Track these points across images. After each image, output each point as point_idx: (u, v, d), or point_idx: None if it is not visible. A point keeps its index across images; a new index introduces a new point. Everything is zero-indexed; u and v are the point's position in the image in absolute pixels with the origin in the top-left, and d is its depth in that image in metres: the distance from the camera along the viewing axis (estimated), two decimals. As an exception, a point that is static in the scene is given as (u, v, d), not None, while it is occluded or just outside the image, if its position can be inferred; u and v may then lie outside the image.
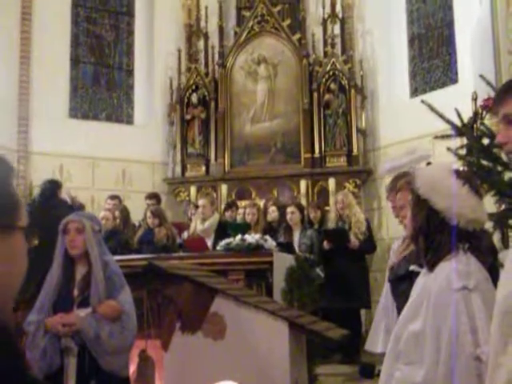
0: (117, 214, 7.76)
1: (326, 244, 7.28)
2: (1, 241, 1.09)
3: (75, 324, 3.45)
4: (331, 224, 7.51)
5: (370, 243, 7.58)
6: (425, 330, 2.13)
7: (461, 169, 2.57)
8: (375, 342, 3.52)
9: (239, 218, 8.05)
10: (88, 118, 10.68)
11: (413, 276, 2.85)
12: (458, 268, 2.14)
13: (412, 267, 2.71)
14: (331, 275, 7.29)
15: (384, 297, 3.55)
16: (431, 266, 2.23)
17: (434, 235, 2.23)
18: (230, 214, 8.28)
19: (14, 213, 1.12)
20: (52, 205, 6.44)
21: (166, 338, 4.25)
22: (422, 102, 4.34)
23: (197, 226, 7.58)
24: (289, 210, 7.54)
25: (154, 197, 8.68)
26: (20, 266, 1.15)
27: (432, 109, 4.14)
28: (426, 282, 2.23)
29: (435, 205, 2.21)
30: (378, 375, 3.20)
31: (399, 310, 3.04)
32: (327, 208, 8.87)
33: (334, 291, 7.16)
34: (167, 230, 7.34)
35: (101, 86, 10.94)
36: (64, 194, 7.31)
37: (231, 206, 8.68)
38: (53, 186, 6.76)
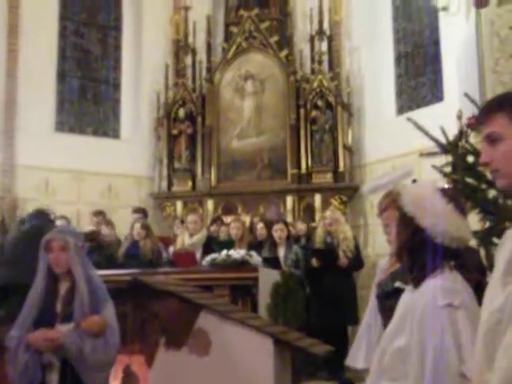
0: (103, 227, 7.73)
1: (314, 262, 7.27)
2: None
3: (58, 339, 3.42)
4: (319, 240, 7.50)
5: (358, 260, 7.58)
6: (409, 346, 2.13)
7: (446, 187, 2.59)
8: (357, 358, 3.51)
9: (223, 234, 8.04)
10: (74, 131, 10.64)
11: (399, 293, 2.86)
12: (443, 285, 2.16)
13: (397, 284, 2.71)
14: (319, 292, 7.28)
15: (368, 313, 3.55)
16: (416, 283, 2.24)
17: (419, 253, 2.24)
18: (215, 228, 8.27)
19: None
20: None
21: (151, 353, 4.22)
22: (408, 119, 4.37)
23: (185, 240, 7.57)
24: (277, 227, 7.53)
25: (140, 211, 8.68)
26: None
27: (418, 126, 4.17)
28: (411, 299, 2.24)
29: (420, 222, 2.23)
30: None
31: (385, 325, 3.04)
32: (313, 224, 8.89)
33: (321, 308, 7.16)
34: (153, 245, 7.32)
35: (87, 100, 10.92)
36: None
37: (216, 220, 8.68)
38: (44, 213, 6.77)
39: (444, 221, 2.20)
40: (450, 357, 2.04)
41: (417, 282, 2.24)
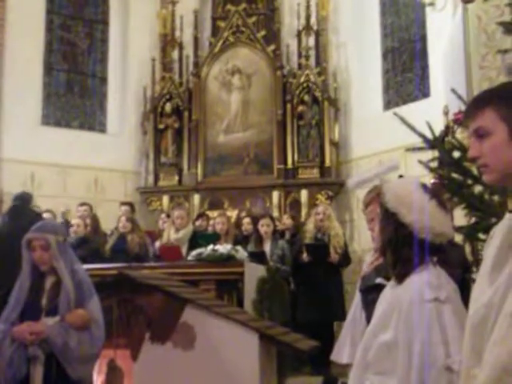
0: (88, 221, 7.70)
1: (305, 257, 7.25)
2: None
3: (43, 332, 3.43)
4: (309, 235, 7.48)
5: (346, 257, 7.59)
6: (396, 341, 2.14)
7: (427, 183, 2.60)
8: (341, 353, 3.53)
9: (210, 229, 8.03)
10: (60, 125, 10.58)
11: (381, 287, 2.87)
12: (429, 280, 2.17)
13: (378, 280, 2.72)
14: (306, 287, 7.27)
15: (353, 308, 3.56)
16: (400, 279, 2.25)
17: (402, 248, 2.25)
18: (200, 223, 8.26)
19: None
20: (23, 216, 6.46)
21: (136, 347, 4.21)
22: (395, 114, 4.37)
23: (170, 235, 7.55)
24: (263, 222, 7.51)
25: (128, 204, 8.70)
26: None
27: (404, 121, 4.17)
28: (394, 295, 2.25)
29: (403, 218, 2.23)
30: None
31: (369, 319, 3.05)
32: (301, 220, 8.89)
33: (309, 303, 7.15)
34: (140, 239, 7.30)
35: (74, 93, 10.86)
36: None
37: (201, 215, 8.67)
38: (25, 198, 6.80)
39: (427, 217, 2.20)
40: (437, 351, 2.06)
41: (400, 277, 2.24)
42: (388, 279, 2.55)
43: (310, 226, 7.58)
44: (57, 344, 3.42)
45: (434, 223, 2.22)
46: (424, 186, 2.33)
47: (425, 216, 2.20)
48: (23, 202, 6.73)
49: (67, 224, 7.73)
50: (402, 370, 2.10)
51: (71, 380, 3.44)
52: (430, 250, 2.23)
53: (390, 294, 2.28)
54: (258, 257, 6.87)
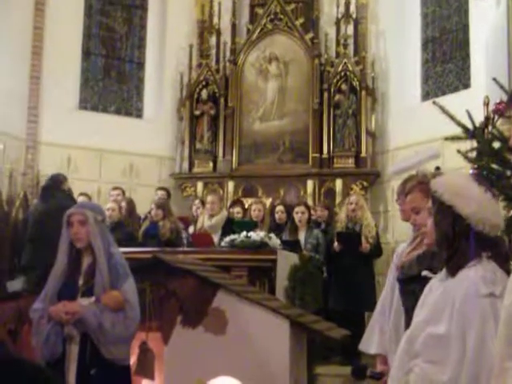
0: (123, 204, 7.74)
1: (336, 246, 7.21)
2: None
3: (78, 312, 3.46)
4: (341, 224, 7.43)
5: (377, 248, 7.53)
6: (449, 334, 2.12)
7: (477, 175, 2.56)
8: (370, 343, 3.49)
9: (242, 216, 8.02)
10: (97, 110, 10.68)
11: (424, 278, 2.83)
12: (484, 275, 2.15)
13: (424, 273, 2.67)
14: (338, 277, 7.24)
15: (382, 298, 3.52)
16: (454, 272, 2.23)
17: (459, 241, 2.23)
18: (236, 210, 8.25)
19: None
20: (55, 196, 6.53)
21: (167, 331, 4.24)
22: (434, 103, 4.31)
23: (204, 221, 7.56)
24: (298, 209, 7.47)
25: (164, 189, 8.75)
26: None
27: (443, 110, 4.10)
28: (446, 287, 2.22)
29: (460, 210, 2.21)
30: (370, 377, 3.18)
31: (407, 309, 3.00)
32: (335, 209, 8.84)
33: (340, 292, 7.12)
34: (172, 224, 7.31)
35: (111, 78, 10.93)
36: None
37: (236, 203, 8.67)
38: (57, 179, 6.86)
39: (484, 208, 2.20)
40: (492, 345, 2.03)
41: (454, 270, 2.22)
42: (431, 270, 2.52)
43: (341, 216, 7.53)
44: (91, 324, 3.45)
45: (491, 215, 2.21)
46: (477, 178, 2.30)
47: (482, 207, 2.19)
48: (53, 182, 6.80)
49: None
50: (456, 363, 2.08)
51: (106, 360, 3.47)
52: (485, 243, 2.22)
53: (441, 287, 2.25)
54: (292, 245, 6.84)
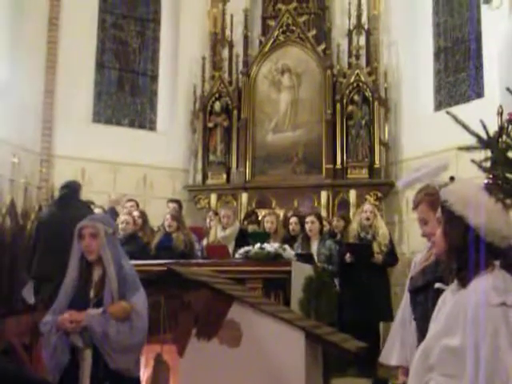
0: (136, 214, 7.73)
1: (348, 257, 7.19)
2: None
3: (82, 321, 3.47)
4: (352, 234, 7.41)
5: (392, 256, 7.49)
6: (464, 346, 2.10)
7: (489, 186, 2.55)
8: (390, 355, 3.47)
9: (256, 228, 8.00)
10: (111, 123, 10.74)
11: (429, 288, 2.82)
12: (495, 284, 2.13)
13: (437, 285, 2.66)
14: (352, 287, 7.20)
15: (402, 309, 3.50)
16: (465, 283, 2.21)
17: (468, 252, 2.20)
18: (250, 222, 8.24)
19: None
20: (72, 205, 6.46)
21: (182, 343, 4.23)
22: (447, 113, 4.28)
23: (217, 233, 7.56)
24: (308, 219, 7.46)
25: (176, 202, 8.75)
26: None
27: (457, 120, 4.08)
28: (458, 298, 2.21)
29: (470, 221, 2.19)
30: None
31: (416, 319, 3.00)
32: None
33: (353, 303, 7.08)
34: (185, 236, 7.32)
35: (125, 91, 11.00)
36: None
37: (251, 215, 8.66)
38: (73, 187, 6.79)
39: (494, 219, 2.18)
40: (505, 355, 2.02)
41: (465, 281, 2.20)
42: (441, 281, 2.50)
43: (354, 226, 7.51)
44: (96, 333, 3.46)
45: (502, 226, 2.19)
46: (488, 189, 2.29)
47: (493, 218, 2.18)
48: (70, 190, 6.71)
49: (115, 214, 7.66)
50: (470, 375, 2.06)
51: (116, 372, 3.47)
52: (495, 254, 2.20)
53: (454, 298, 2.24)
54: (306, 258, 6.82)
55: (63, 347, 3.50)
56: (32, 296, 6.22)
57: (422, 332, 2.36)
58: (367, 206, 7.61)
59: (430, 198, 2.96)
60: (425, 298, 2.95)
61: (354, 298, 7.11)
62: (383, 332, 7.56)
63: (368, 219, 7.33)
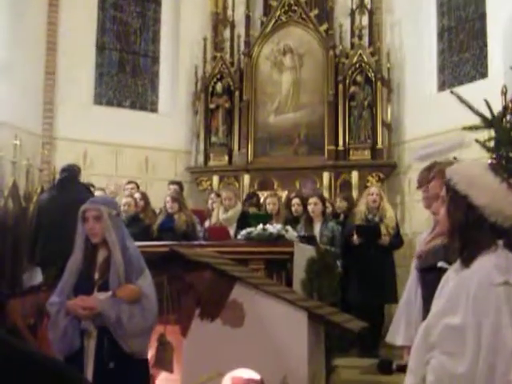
0: (137, 195, 7.74)
1: (356, 239, 7.18)
2: None
3: (96, 308, 3.46)
4: (359, 216, 7.38)
5: (398, 238, 7.48)
6: (465, 324, 2.11)
7: (495, 165, 2.53)
8: (396, 335, 3.48)
9: (256, 211, 7.99)
10: (112, 104, 10.71)
11: (440, 271, 2.81)
12: (498, 263, 2.13)
13: (440, 264, 2.65)
14: (358, 269, 7.20)
15: (407, 290, 3.51)
16: (468, 262, 2.21)
17: (472, 231, 2.21)
18: (251, 204, 8.23)
19: None
20: (72, 189, 6.46)
21: (185, 323, 4.24)
22: (452, 92, 4.26)
23: (219, 214, 7.56)
24: (311, 200, 7.45)
25: (177, 183, 8.73)
26: None
27: (461, 100, 4.06)
28: (461, 278, 2.21)
29: (474, 201, 2.19)
30: (397, 370, 3.17)
31: (425, 298, 2.99)
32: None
33: (360, 285, 7.08)
34: (187, 217, 7.32)
35: (126, 73, 10.95)
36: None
37: (252, 196, 8.65)
38: (73, 170, 6.80)
39: (498, 199, 2.18)
40: (507, 334, 2.02)
41: (468, 261, 2.20)
42: (447, 261, 2.50)
43: (361, 208, 7.48)
44: (110, 319, 3.46)
45: (505, 206, 2.18)
46: (492, 169, 2.27)
47: (497, 198, 2.17)
48: (70, 173, 6.72)
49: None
50: (471, 353, 2.07)
51: (124, 353, 3.47)
52: (498, 233, 2.19)
53: (456, 278, 2.24)
54: (308, 240, 6.81)
55: (74, 331, 3.51)
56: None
57: (428, 311, 2.36)
58: (373, 189, 7.59)
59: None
60: (435, 278, 2.96)
61: (360, 280, 7.12)
62: (388, 314, 7.58)
63: (375, 201, 7.31)
